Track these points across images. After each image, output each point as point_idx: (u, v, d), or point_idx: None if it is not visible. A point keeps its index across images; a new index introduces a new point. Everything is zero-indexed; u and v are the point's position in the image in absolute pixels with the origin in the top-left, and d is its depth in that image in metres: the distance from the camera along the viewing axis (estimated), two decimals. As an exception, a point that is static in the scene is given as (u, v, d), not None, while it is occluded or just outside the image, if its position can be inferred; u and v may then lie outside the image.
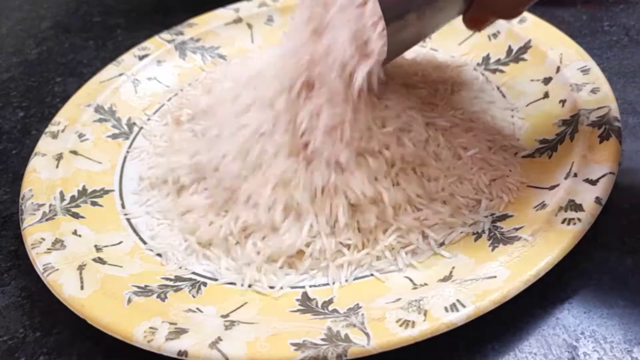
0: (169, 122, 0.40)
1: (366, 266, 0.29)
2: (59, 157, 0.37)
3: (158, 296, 0.28)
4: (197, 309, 0.28)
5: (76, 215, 0.33)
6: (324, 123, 0.30)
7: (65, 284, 0.28)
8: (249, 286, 0.29)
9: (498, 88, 0.39)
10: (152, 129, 0.40)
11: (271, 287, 0.29)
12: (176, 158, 0.35)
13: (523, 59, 0.39)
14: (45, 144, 0.38)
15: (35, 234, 0.31)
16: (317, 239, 0.29)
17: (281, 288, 0.29)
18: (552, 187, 0.30)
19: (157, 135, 0.39)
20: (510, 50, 0.40)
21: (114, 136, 0.40)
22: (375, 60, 0.28)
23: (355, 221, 0.30)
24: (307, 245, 0.29)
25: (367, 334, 0.24)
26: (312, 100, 0.30)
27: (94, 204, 0.34)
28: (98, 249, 0.31)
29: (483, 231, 0.30)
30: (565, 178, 0.30)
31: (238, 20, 0.47)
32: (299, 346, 0.24)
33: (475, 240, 0.29)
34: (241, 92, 0.35)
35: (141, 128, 0.40)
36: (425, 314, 0.25)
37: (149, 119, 0.41)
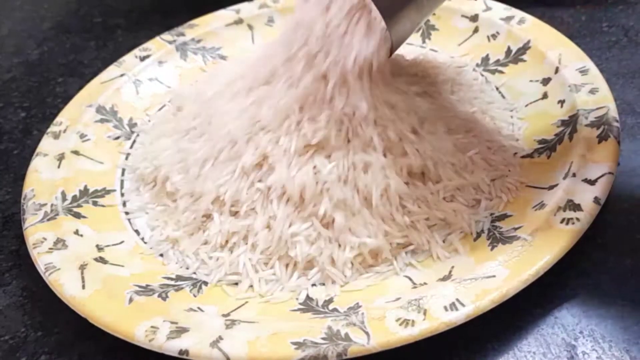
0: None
1: (366, 265, 0.29)
2: (61, 157, 0.37)
3: (159, 295, 0.28)
4: (198, 308, 0.28)
5: (78, 215, 0.33)
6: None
7: (66, 284, 0.28)
8: (250, 286, 0.29)
9: (497, 88, 0.39)
10: (149, 129, 0.40)
11: (271, 289, 0.29)
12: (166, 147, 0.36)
13: (522, 60, 0.40)
14: (47, 144, 0.38)
15: (37, 234, 0.31)
16: (317, 241, 0.30)
17: (282, 289, 0.29)
18: (551, 187, 0.30)
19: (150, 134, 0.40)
20: (509, 51, 0.41)
21: (116, 136, 0.40)
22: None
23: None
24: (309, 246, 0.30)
25: (367, 333, 0.25)
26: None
27: (95, 203, 0.34)
28: (99, 248, 0.31)
29: (482, 231, 0.30)
30: (564, 178, 0.30)
31: (239, 22, 0.47)
32: (299, 345, 0.24)
33: (475, 239, 0.30)
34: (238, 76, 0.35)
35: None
36: (424, 313, 0.25)
37: (149, 120, 0.41)
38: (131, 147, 0.39)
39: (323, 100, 0.30)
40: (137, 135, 0.40)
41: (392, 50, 0.30)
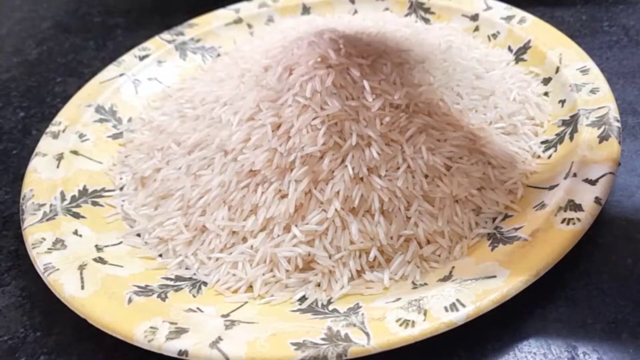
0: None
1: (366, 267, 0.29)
2: (60, 157, 0.37)
3: (158, 296, 0.28)
4: (198, 308, 0.28)
5: (77, 215, 0.33)
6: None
7: (66, 284, 0.28)
8: (250, 286, 0.29)
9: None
10: (148, 129, 0.40)
11: (270, 289, 0.29)
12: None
13: (523, 60, 0.40)
14: (46, 144, 0.38)
15: (36, 234, 0.31)
16: (316, 241, 0.30)
17: (282, 289, 0.29)
18: (552, 187, 0.30)
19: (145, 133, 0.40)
20: (510, 50, 0.41)
21: (115, 136, 0.40)
22: None
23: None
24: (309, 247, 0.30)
25: (367, 334, 0.24)
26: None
27: (94, 204, 0.34)
28: (99, 248, 0.31)
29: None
30: (565, 178, 0.30)
31: (238, 21, 0.47)
32: (299, 346, 0.24)
33: (475, 240, 0.29)
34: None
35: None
36: (425, 314, 0.25)
37: (149, 120, 0.41)
38: (130, 147, 0.39)
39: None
40: (137, 135, 0.40)
41: None
